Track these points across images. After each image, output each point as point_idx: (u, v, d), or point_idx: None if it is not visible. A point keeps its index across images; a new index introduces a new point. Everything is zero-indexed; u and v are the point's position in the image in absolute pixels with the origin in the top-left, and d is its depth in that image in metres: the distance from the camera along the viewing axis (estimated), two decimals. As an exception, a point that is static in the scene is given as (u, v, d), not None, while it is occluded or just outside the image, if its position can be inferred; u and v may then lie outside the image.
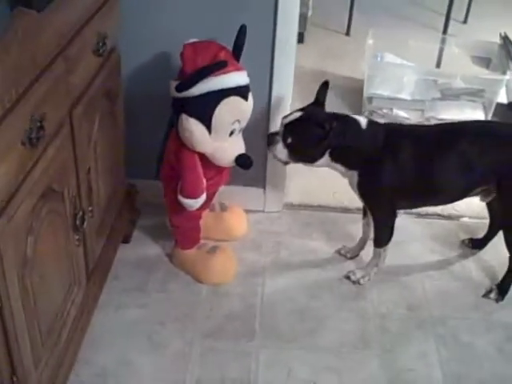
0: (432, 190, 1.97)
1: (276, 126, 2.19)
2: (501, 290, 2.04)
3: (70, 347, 1.62)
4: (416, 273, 2.15)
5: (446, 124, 2.08)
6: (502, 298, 2.03)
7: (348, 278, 2.09)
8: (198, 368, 1.77)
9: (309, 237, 2.29)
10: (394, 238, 2.02)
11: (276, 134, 1.93)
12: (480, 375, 1.80)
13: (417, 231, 2.32)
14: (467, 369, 1.81)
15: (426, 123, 2.93)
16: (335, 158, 1.92)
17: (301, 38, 3.68)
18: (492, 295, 2.04)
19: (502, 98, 3.13)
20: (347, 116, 1.95)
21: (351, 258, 2.18)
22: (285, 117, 1.94)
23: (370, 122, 1.94)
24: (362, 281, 2.07)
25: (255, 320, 1.93)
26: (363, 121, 1.92)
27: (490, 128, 2.04)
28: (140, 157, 2.16)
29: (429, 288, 2.09)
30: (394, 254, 2.10)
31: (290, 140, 1.89)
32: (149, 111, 2.17)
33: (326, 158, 1.92)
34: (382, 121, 2.88)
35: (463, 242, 2.27)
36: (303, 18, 3.65)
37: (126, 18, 1.89)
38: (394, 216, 2.00)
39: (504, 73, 2.90)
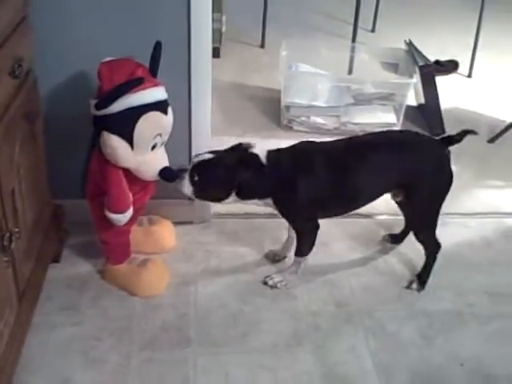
0: (345, 200, 2.07)
1: (197, 139, 2.26)
2: (421, 280, 2.16)
3: (5, 370, 1.61)
4: (342, 271, 2.24)
5: (354, 137, 2.20)
6: (423, 287, 2.15)
7: (265, 283, 2.14)
8: (136, 379, 1.79)
9: (237, 244, 2.35)
10: (318, 239, 2.10)
11: (185, 170, 1.95)
12: (408, 361, 1.90)
13: (338, 231, 2.41)
14: (395, 357, 1.91)
15: (343, 128, 3.07)
16: (243, 197, 1.98)
17: (217, 53, 3.76)
18: (413, 286, 2.15)
19: (412, 101, 3.31)
20: (248, 155, 1.95)
21: (278, 261, 2.25)
22: (196, 155, 1.99)
23: (270, 153, 1.96)
24: (279, 285, 2.13)
25: (190, 328, 1.96)
26: (262, 154, 1.95)
27: (395, 137, 2.16)
28: (65, 177, 2.17)
29: (355, 284, 2.18)
30: (319, 254, 2.18)
31: (196, 178, 1.92)
32: (71, 131, 2.17)
33: (232, 197, 1.97)
34: (300, 128, 3.07)
35: (383, 237, 2.38)
36: (218, 33, 3.73)
37: (40, 39, 1.91)
38: (316, 228, 2.07)
39: (411, 76, 3.06)
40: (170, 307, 2.04)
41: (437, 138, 2.11)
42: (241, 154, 1.96)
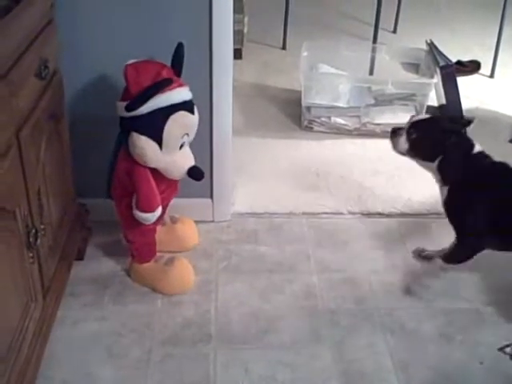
0: None
1: (218, 139, 2.30)
2: None
3: (31, 363, 1.65)
4: (362, 269, 2.25)
5: None
6: None
7: (408, 288, 2.16)
8: (157, 374, 1.82)
9: (258, 243, 2.37)
10: (339, 238, 2.12)
11: (401, 128, 2.08)
12: (426, 359, 1.90)
13: (359, 230, 2.43)
14: (414, 355, 1.92)
15: (363, 129, 3.09)
16: (440, 167, 2.04)
17: (239, 55, 3.81)
18: (508, 350, 1.95)
19: (433, 101, 3.31)
20: (467, 138, 2.07)
21: (426, 258, 2.28)
22: (413, 116, 2.18)
23: (481, 153, 2.05)
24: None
25: (210, 325, 1.99)
26: (477, 148, 2.04)
27: None
28: (90, 177, 2.22)
29: (374, 282, 2.20)
30: (339, 252, 2.20)
31: (414, 135, 2.04)
32: (96, 131, 2.22)
33: (436, 163, 2.03)
34: (321, 129, 3.09)
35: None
36: (240, 35, 3.77)
37: (65, 41, 1.96)
38: (474, 248, 2.05)
39: (431, 77, 3.06)
40: (192, 304, 2.07)
41: None
42: (458, 127, 2.05)
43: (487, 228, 2.01)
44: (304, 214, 2.44)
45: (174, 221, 2.31)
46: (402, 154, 2.10)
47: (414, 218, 2.52)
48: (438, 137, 2.02)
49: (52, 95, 1.84)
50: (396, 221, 2.51)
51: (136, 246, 2.13)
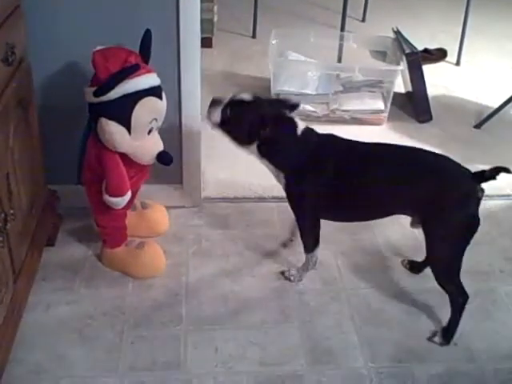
0: (352, 207, 2.02)
1: (187, 124, 2.33)
2: (446, 333, 1.95)
3: (2, 346, 1.67)
4: (329, 251, 2.30)
5: (383, 144, 2.01)
6: (447, 342, 1.94)
7: (282, 272, 2.18)
8: (129, 355, 1.85)
9: (227, 227, 2.41)
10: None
11: (219, 101, 1.97)
12: (390, 336, 1.96)
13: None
14: (379, 331, 1.98)
15: (332, 115, 3.13)
16: (262, 153, 1.98)
17: (209, 43, 3.83)
18: (436, 339, 1.95)
19: (400, 88, 3.37)
20: (289, 118, 1.98)
21: (283, 246, 2.30)
22: (237, 93, 1.99)
23: (307, 130, 1.98)
24: (292, 278, 2.15)
25: (181, 307, 2.03)
26: (301, 126, 1.96)
27: (424, 157, 1.96)
28: (60, 163, 2.23)
29: (342, 264, 2.25)
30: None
31: (228, 112, 1.95)
32: (65, 118, 2.24)
33: (253, 148, 1.98)
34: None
35: (402, 262, 2.24)
36: (210, 24, 3.79)
37: (33, 28, 1.97)
38: (317, 225, 2.07)
39: (398, 64, 3.12)
40: (162, 287, 2.11)
41: (473, 172, 1.86)
42: (281, 111, 1.97)
43: (322, 205, 2.00)
44: (273, 198, 2.48)
45: (144, 206, 2.33)
46: (214, 127, 2.00)
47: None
48: (252, 123, 1.93)
49: (19, 82, 1.85)
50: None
51: (107, 231, 2.15)
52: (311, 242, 2.11)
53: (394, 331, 1.98)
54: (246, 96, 1.98)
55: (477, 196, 1.84)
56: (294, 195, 2.03)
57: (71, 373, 1.80)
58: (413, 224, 2.00)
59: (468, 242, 1.88)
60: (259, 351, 1.89)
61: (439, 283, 1.93)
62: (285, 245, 2.31)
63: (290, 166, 1.99)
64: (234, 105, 1.96)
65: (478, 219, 1.85)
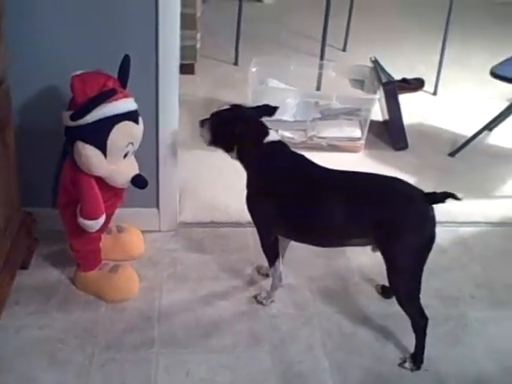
0: (305, 231, 2.04)
1: (164, 149, 2.35)
2: (415, 359, 1.97)
3: (-29, 367, 1.67)
4: (303, 276, 2.32)
5: (339, 171, 2.02)
6: (418, 367, 1.96)
7: (255, 297, 2.19)
8: (99, 378, 1.86)
9: (203, 251, 2.43)
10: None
11: (207, 119, 2.12)
12: (361, 360, 1.98)
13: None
14: (350, 356, 2.00)
15: (310, 142, 3.18)
16: (239, 156, 2.07)
17: (191, 69, 3.88)
18: (406, 365, 1.97)
19: (377, 116, 3.43)
20: (263, 126, 2.06)
21: (267, 275, 2.27)
22: (220, 106, 2.14)
23: (277, 143, 2.04)
24: (264, 302, 2.16)
25: (153, 330, 2.04)
26: (271, 137, 2.03)
27: (378, 179, 2.00)
28: (36, 186, 2.25)
29: (314, 288, 2.27)
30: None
31: (212, 125, 2.09)
32: (42, 141, 2.25)
33: (234, 152, 2.07)
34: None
35: (376, 287, 2.27)
36: (193, 50, 3.84)
37: (13, 51, 1.99)
38: (270, 239, 2.09)
39: (375, 92, 3.18)
40: (135, 310, 2.11)
41: (425, 192, 1.92)
42: (255, 115, 2.09)
43: (275, 220, 2.04)
44: (249, 223, 2.49)
45: (120, 230, 2.35)
46: (208, 144, 2.13)
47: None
48: (228, 126, 2.04)
49: (-2, 104, 1.88)
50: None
51: (81, 254, 2.16)
52: (271, 254, 2.13)
53: (365, 356, 2.00)
54: (226, 106, 2.11)
55: (430, 216, 1.88)
56: (251, 205, 2.08)
57: (40, 396, 1.80)
58: (373, 248, 2.01)
59: (424, 263, 1.89)
60: (230, 375, 1.90)
61: (401, 306, 1.96)
62: (267, 274, 2.28)
63: (252, 171, 2.06)
64: (214, 116, 2.10)
65: (433, 235, 1.88)
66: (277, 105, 2.33)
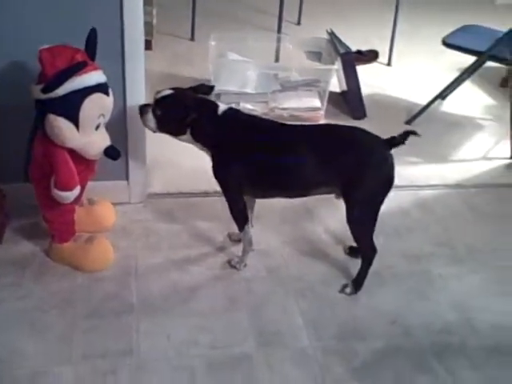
0: (274, 183, 2.13)
1: (132, 120, 2.37)
2: (355, 284, 2.17)
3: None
4: (274, 241, 2.40)
5: (299, 125, 2.19)
6: (356, 292, 2.16)
7: (229, 262, 2.26)
8: (82, 344, 1.89)
9: (174, 221, 2.48)
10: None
11: (148, 105, 2.12)
12: (334, 317, 2.08)
13: (271, 206, 2.55)
14: (323, 314, 2.09)
15: (271, 113, 3.24)
16: (195, 137, 2.10)
17: (149, 45, 3.87)
18: (347, 290, 2.16)
19: (335, 88, 3.52)
20: (210, 101, 2.13)
21: (239, 241, 2.33)
22: (158, 92, 2.12)
23: (229, 110, 2.11)
24: (237, 266, 2.24)
25: (132, 297, 2.08)
26: (222, 108, 2.09)
27: (338, 130, 2.13)
28: (6, 162, 2.24)
29: (285, 252, 2.35)
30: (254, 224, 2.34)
31: (158, 112, 2.09)
32: (11, 117, 2.24)
33: (188, 135, 2.10)
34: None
35: (344, 248, 2.37)
36: (149, 26, 3.83)
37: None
38: (242, 202, 2.17)
39: (332, 63, 3.26)
40: (112, 279, 2.15)
41: (383, 138, 2.05)
42: (201, 97, 2.12)
43: (245, 183, 2.12)
44: (216, 192, 2.55)
45: (91, 202, 2.37)
46: (154, 131, 2.16)
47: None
48: (180, 111, 2.06)
49: (-34, 78, 1.87)
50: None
51: (55, 226, 2.18)
52: (240, 218, 2.19)
53: (337, 313, 2.09)
54: (167, 91, 2.11)
55: (388, 159, 2.03)
56: (219, 173, 2.13)
57: (25, 364, 1.82)
58: (336, 196, 2.14)
59: (382, 204, 2.06)
60: (210, 336, 1.96)
61: (356, 241, 2.15)
62: (239, 240, 2.34)
63: (213, 144, 2.11)
64: (160, 103, 2.09)
65: (392, 177, 2.04)
66: (238, 77, 2.42)
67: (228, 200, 2.18)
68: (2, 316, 1.98)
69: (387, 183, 2.04)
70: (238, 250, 2.31)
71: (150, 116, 2.11)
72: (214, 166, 2.13)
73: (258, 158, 2.07)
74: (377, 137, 2.08)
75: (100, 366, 1.83)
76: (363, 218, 2.10)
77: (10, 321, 1.96)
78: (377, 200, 2.06)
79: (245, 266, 2.25)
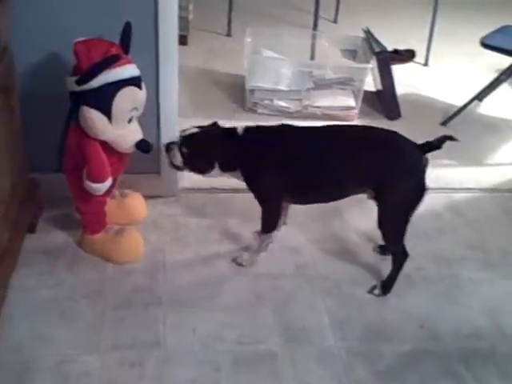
0: (310, 189, 2.12)
1: (165, 115, 2.40)
2: (385, 287, 2.15)
3: (-13, 324, 1.73)
4: (303, 239, 2.40)
5: (330, 126, 2.16)
6: (385, 294, 2.14)
7: (235, 259, 2.25)
8: (111, 334, 1.92)
9: (204, 216, 2.49)
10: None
11: (173, 143, 2.12)
12: (361, 318, 2.06)
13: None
14: (350, 313, 2.08)
15: (304, 111, 3.23)
16: (224, 168, 2.12)
17: (184, 41, 3.90)
18: (376, 291, 2.15)
19: (370, 87, 3.49)
20: (227, 129, 2.12)
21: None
22: (183, 130, 2.14)
23: (247, 128, 2.10)
24: (244, 263, 2.23)
25: (160, 290, 2.10)
26: (240, 128, 2.09)
27: (374, 134, 2.11)
28: (41, 152, 2.27)
29: (314, 251, 2.34)
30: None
31: (185, 150, 2.09)
32: (46, 107, 2.27)
33: (216, 169, 2.11)
34: (264, 111, 3.22)
35: (373, 248, 2.36)
36: (185, 22, 3.86)
37: (16, 19, 2.02)
38: (279, 210, 2.18)
39: (368, 62, 3.23)
40: (141, 272, 2.17)
41: (418, 143, 2.03)
42: (221, 128, 2.14)
43: (284, 191, 2.12)
44: (246, 190, 2.55)
45: (123, 195, 2.40)
46: (180, 169, 2.17)
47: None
48: (209, 150, 2.10)
49: (2, 69, 1.91)
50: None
51: (87, 217, 2.21)
52: (272, 224, 2.19)
53: (364, 314, 2.08)
54: (192, 130, 2.12)
55: (421, 165, 2.02)
56: (254, 188, 2.14)
57: (54, 351, 1.85)
58: (368, 196, 2.12)
59: (415, 209, 2.04)
60: (235, 331, 1.97)
61: (387, 245, 2.18)
62: None
63: (242, 164, 2.10)
64: (188, 142, 2.10)
65: (425, 186, 2.02)
66: (272, 74, 2.39)
67: (264, 210, 2.17)
68: (33, 303, 2.01)
69: (420, 189, 2.03)
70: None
71: (176, 154, 2.11)
72: (249, 182, 2.14)
73: (294, 166, 2.07)
74: (412, 142, 2.05)
75: (127, 357, 1.85)
76: (395, 223, 2.09)
77: (41, 308, 2.00)
78: (409, 206, 2.04)
79: (251, 265, 2.23)
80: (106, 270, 2.17)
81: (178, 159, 2.11)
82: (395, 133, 2.08)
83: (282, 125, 2.14)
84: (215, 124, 2.18)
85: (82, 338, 1.90)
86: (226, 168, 2.12)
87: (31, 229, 2.28)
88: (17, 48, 2.06)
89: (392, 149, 2.04)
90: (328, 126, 2.16)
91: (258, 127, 2.14)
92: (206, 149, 2.11)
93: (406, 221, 2.06)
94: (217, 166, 2.11)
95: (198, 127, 2.14)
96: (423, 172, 2.02)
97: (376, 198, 2.07)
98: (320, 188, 2.13)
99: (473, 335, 2.03)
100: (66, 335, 1.90)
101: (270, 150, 2.07)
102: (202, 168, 2.14)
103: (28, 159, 2.23)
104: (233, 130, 2.10)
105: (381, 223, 2.08)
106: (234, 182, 2.60)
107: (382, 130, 2.12)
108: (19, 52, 2.08)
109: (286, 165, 2.06)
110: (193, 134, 2.11)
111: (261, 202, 2.15)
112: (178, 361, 1.85)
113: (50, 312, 1.98)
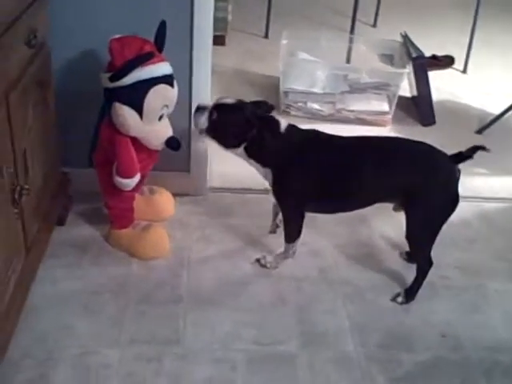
0: (337, 198, 2.11)
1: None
2: (408, 294, 2.13)
3: (11, 312, 1.77)
4: (327, 243, 2.39)
5: (363, 137, 2.12)
6: (408, 302, 2.12)
7: (258, 260, 2.25)
8: (131, 329, 1.95)
9: (230, 216, 2.50)
10: (307, 214, 2.26)
11: (205, 107, 2.06)
12: (381, 325, 2.05)
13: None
14: (371, 320, 2.06)
15: (338, 115, 3.22)
16: (250, 154, 2.06)
17: (222, 41, 3.94)
18: (399, 299, 2.13)
19: (406, 92, 3.46)
20: (271, 117, 2.07)
21: (271, 233, 2.40)
22: (220, 98, 2.09)
23: (290, 126, 2.06)
24: (268, 265, 2.23)
25: (182, 287, 2.12)
26: (283, 124, 2.04)
27: (406, 145, 2.09)
28: (73, 146, 2.32)
29: (338, 254, 2.34)
30: (307, 227, 2.32)
31: (214, 116, 2.03)
32: (80, 103, 2.32)
33: (241, 150, 2.06)
34: (298, 113, 3.22)
35: (400, 254, 2.34)
36: (224, 22, 3.89)
37: (54, 16, 2.07)
38: (302, 217, 2.14)
39: (404, 67, 3.21)
40: (165, 268, 2.20)
41: (450, 154, 2.01)
42: (263, 112, 2.07)
43: (310, 199, 2.09)
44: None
45: (152, 192, 2.43)
46: (201, 132, 2.08)
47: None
48: (240, 123, 2.01)
49: (40, 64, 1.96)
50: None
51: (115, 212, 2.25)
52: (295, 233, 2.18)
53: (385, 321, 2.06)
54: (229, 100, 2.07)
55: (455, 176, 1.99)
56: (281, 190, 2.11)
57: (75, 343, 1.89)
58: (395, 208, 2.12)
59: (446, 221, 2.03)
60: (254, 332, 1.98)
61: (413, 254, 2.19)
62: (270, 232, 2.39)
63: (276, 162, 2.07)
64: (220, 109, 2.04)
65: (457, 194, 1.99)
66: (307, 77, 2.36)
67: (287, 217, 2.17)
68: (58, 293, 2.06)
69: (452, 202, 2.00)
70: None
71: (203, 117, 2.04)
72: (275, 185, 2.10)
73: (320, 174, 2.05)
74: (445, 154, 2.02)
75: (146, 352, 1.88)
76: (424, 235, 2.08)
77: (65, 299, 2.04)
78: (441, 218, 2.02)
79: (275, 268, 2.23)
80: (130, 265, 2.20)
81: (204, 123, 2.04)
82: (429, 145, 2.05)
83: (316, 131, 2.10)
84: (263, 102, 2.12)
85: (103, 331, 1.93)
86: (253, 155, 2.07)
87: (61, 222, 2.33)
88: (54, 44, 2.11)
89: (426, 163, 2.01)
90: (361, 137, 2.12)
91: (298, 128, 2.09)
92: (237, 124, 2.02)
93: (435, 233, 2.05)
94: (243, 147, 2.05)
95: (238, 99, 2.07)
96: (456, 184, 2.00)
97: (406, 209, 2.04)
98: (350, 198, 2.11)
99: (495, 347, 2.00)
100: (89, 327, 1.94)
101: (311, 157, 2.04)
102: (225, 141, 2.07)
103: (61, 153, 2.27)
104: (275, 121, 2.05)
105: (410, 234, 2.06)
106: (262, 182, 2.63)
107: (417, 142, 2.07)
108: (56, 48, 2.13)
109: (323, 174, 2.05)
110: (229, 104, 2.05)
111: (284, 208, 2.15)
112: (196, 358, 1.87)
113: (75, 304, 2.02)
